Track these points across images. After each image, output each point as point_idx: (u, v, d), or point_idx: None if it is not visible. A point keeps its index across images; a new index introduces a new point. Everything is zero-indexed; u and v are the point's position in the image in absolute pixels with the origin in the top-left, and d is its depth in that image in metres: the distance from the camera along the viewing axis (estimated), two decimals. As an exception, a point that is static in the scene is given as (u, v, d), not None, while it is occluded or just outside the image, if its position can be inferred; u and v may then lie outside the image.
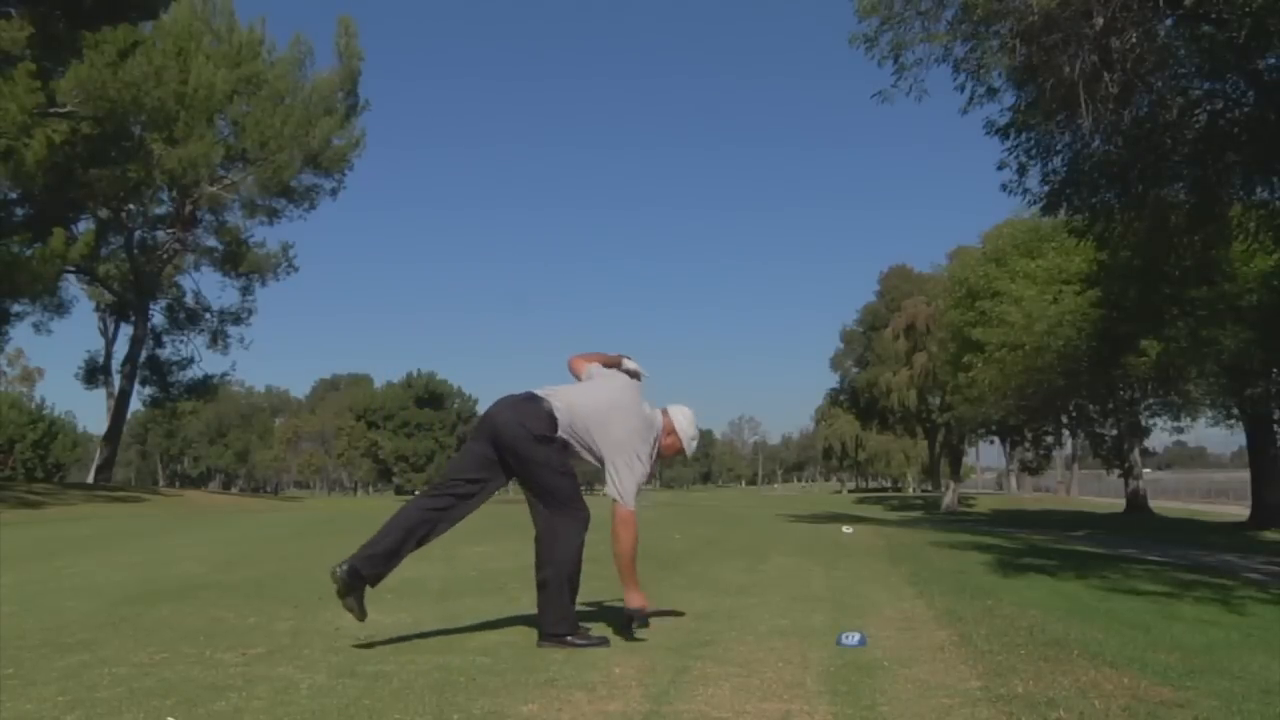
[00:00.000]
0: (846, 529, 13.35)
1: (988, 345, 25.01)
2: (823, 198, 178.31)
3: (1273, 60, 10.21)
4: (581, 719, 2.81)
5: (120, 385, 32.11)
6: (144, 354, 32.70)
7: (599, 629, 4.22)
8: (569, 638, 3.83)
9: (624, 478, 3.90)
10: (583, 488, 4.15)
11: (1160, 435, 47.66)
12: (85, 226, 27.44)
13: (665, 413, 4.20)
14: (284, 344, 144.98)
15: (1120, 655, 3.87)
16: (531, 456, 3.83)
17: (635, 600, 4.01)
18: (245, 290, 34.25)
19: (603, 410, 3.94)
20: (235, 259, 33.18)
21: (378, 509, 23.40)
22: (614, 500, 3.92)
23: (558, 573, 3.85)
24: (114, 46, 20.44)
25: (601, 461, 3.91)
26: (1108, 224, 12.04)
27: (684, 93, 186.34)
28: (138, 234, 32.19)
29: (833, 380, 65.01)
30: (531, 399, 3.92)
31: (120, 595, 5.35)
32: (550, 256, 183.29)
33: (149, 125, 24.02)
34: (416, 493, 3.90)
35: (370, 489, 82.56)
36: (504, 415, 3.89)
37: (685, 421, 4.22)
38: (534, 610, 4.91)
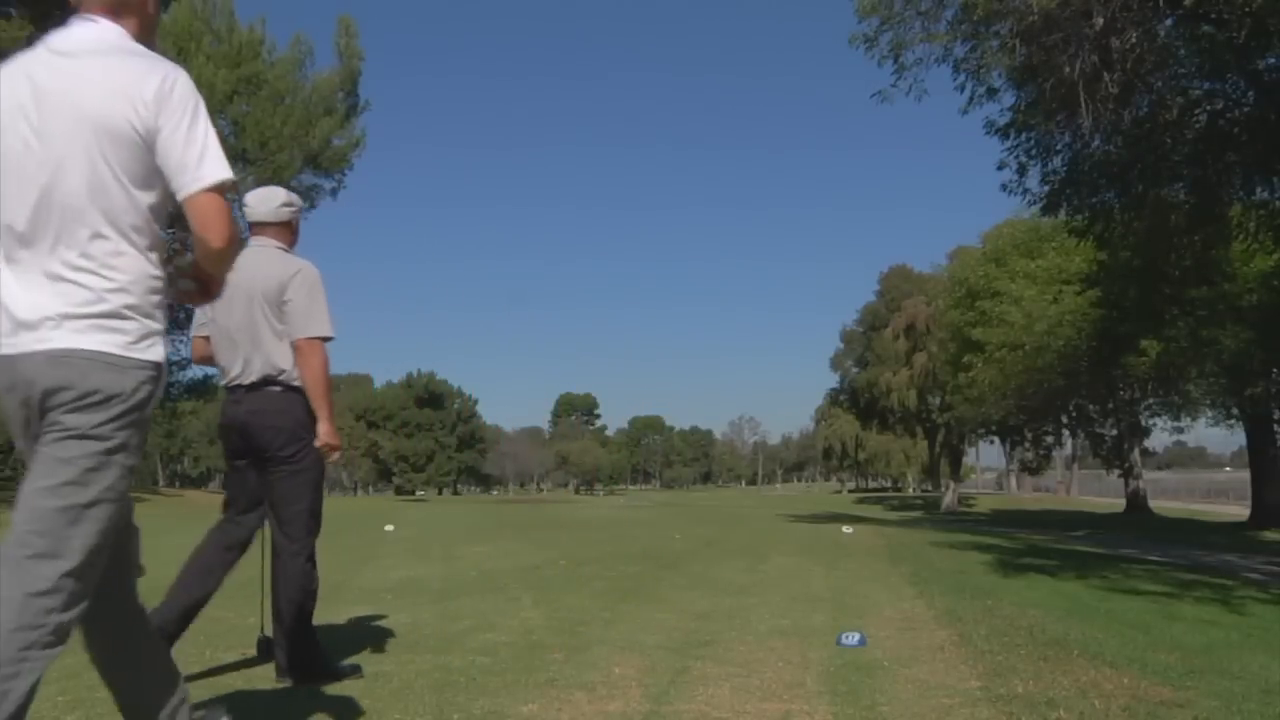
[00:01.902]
0: (846, 529, 13.36)
1: (988, 345, 25.01)
2: (823, 198, 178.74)
3: (1273, 60, 10.21)
4: (581, 719, 2.81)
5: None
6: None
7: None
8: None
9: None
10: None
11: (1160, 435, 47.73)
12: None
13: None
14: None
15: (1120, 655, 3.87)
16: None
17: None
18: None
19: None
20: (235, 259, 33.16)
21: (378, 509, 23.46)
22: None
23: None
24: (114, 46, 20.47)
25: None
26: (1108, 224, 12.04)
27: (684, 93, 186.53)
28: (137, 234, 32.20)
29: (833, 380, 65.22)
30: None
31: (120, 595, 5.33)
32: (550, 257, 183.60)
33: (149, 125, 24.03)
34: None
35: (370, 489, 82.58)
36: None
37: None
38: (534, 610, 4.91)
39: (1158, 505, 32.23)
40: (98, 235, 1.80)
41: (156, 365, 1.86)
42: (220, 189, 1.82)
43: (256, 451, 3.22)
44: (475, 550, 8.77)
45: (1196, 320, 19.94)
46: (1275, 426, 24.23)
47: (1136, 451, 32.31)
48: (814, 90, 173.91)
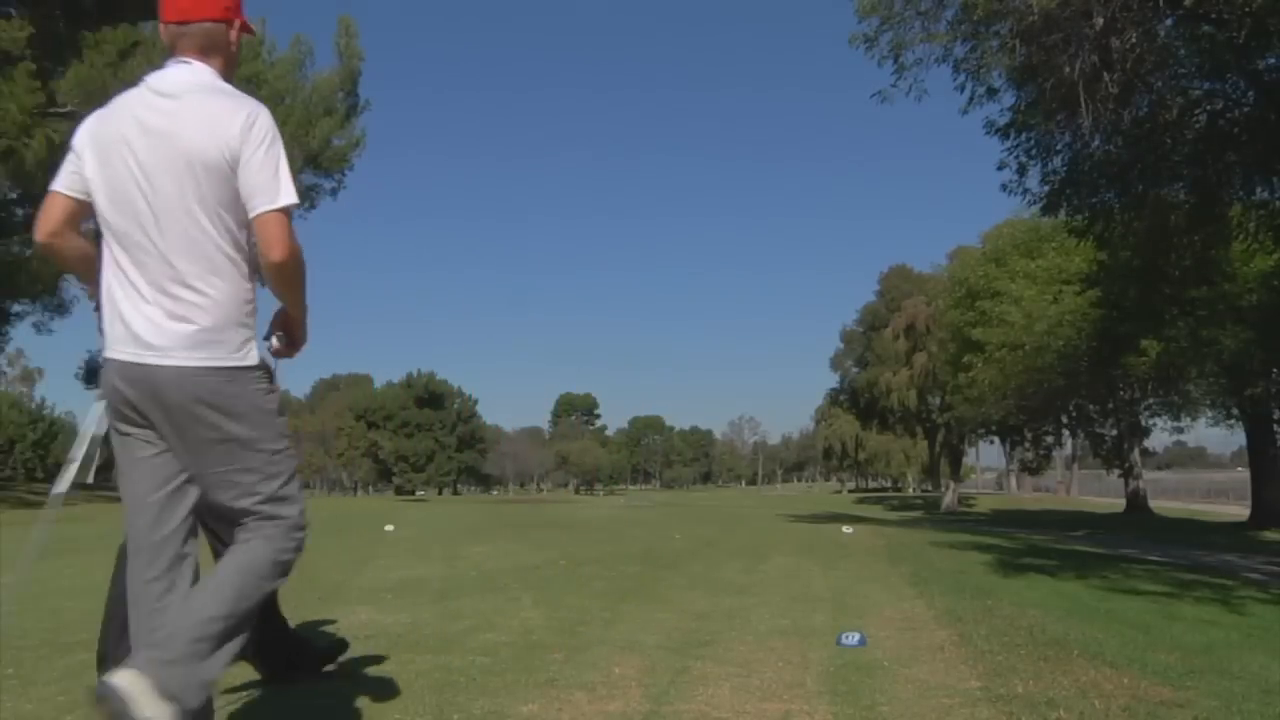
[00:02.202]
0: (846, 529, 13.36)
1: (988, 345, 25.01)
2: (823, 198, 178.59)
3: (1273, 60, 10.21)
4: (581, 719, 2.81)
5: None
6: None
7: None
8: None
9: None
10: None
11: (1160, 435, 47.71)
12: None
13: None
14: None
15: (1120, 655, 3.87)
16: None
17: None
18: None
19: None
20: (235, 259, 33.19)
21: (378, 509, 23.45)
22: None
23: None
24: (114, 46, 20.42)
25: None
26: (1108, 224, 12.04)
27: (683, 94, 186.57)
28: (137, 234, 32.23)
29: (833, 380, 65.22)
30: None
31: (120, 595, 5.34)
32: (550, 257, 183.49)
33: (149, 125, 24.05)
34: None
35: (370, 489, 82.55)
36: None
37: None
38: (534, 610, 4.91)
39: (1158, 505, 32.22)
40: (199, 257, 2.04)
41: (258, 366, 2.12)
42: (286, 211, 2.05)
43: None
44: (475, 550, 8.77)
45: (1196, 320, 19.94)
46: (1275, 426, 24.23)
47: (1136, 451, 32.31)
48: (814, 90, 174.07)
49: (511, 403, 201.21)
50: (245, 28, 2.28)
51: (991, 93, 10.95)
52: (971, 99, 10.87)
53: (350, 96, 31.91)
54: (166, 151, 2.04)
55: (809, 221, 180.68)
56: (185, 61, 2.16)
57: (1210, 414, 27.43)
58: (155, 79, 2.14)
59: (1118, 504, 33.98)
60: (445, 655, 3.65)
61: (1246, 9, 8.64)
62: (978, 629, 4.40)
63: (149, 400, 2.04)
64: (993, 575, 7.56)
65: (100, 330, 2.15)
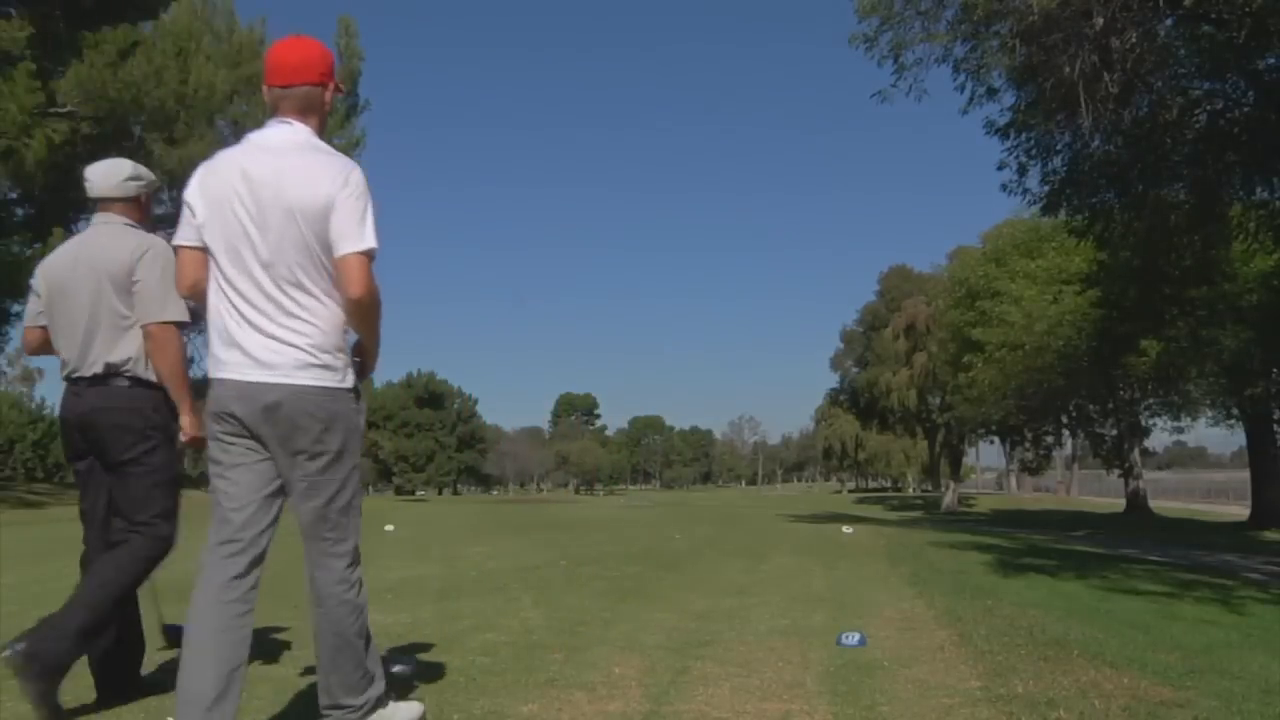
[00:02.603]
0: (846, 529, 13.36)
1: (988, 345, 25.02)
2: (823, 198, 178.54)
3: (1273, 60, 10.22)
4: (581, 719, 2.81)
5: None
6: (144, 354, 32.72)
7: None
8: None
9: None
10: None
11: (1160, 435, 47.61)
12: (85, 226, 27.42)
13: None
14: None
15: (1120, 655, 3.87)
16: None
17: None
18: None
19: None
20: (235, 259, 33.21)
21: (377, 509, 23.42)
22: None
23: None
24: (114, 46, 20.43)
25: None
26: (1108, 224, 12.05)
27: (683, 93, 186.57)
28: (138, 234, 32.23)
29: (833, 380, 65.26)
30: None
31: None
32: (550, 257, 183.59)
33: (149, 125, 23.99)
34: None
35: (370, 489, 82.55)
36: None
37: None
38: (534, 610, 4.91)
39: (1158, 505, 32.22)
40: (304, 292, 2.33)
41: (356, 390, 2.42)
42: (366, 254, 2.32)
43: (99, 452, 2.91)
44: (475, 550, 8.77)
45: (1196, 320, 19.95)
46: (1275, 426, 24.23)
47: (1136, 451, 32.30)
48: (814, 90, 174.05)
49: (511, 403, 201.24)
50: (337, 88, 2.58)
51: (991, 93, 10.97)
52: (971, 99, 10.89)
53: (350, 96, 31.94)
54: (273, 201, 2.32)
55: (809, 221, 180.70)
56: (286, 122, 2.45)
57: (1210, 414, 27.44)
58: (259, 137, 2.45)
59: (1118, 504, 33.98)
60: (445, 655, 3.65)
61: (1246, 9, 8.65)
62: (978, 629, 4.40)
63: (259, 414, 2.31)
64: (993, 575, 7.56)
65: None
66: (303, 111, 2.46)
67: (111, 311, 2.91)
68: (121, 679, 3.03)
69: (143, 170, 3.15)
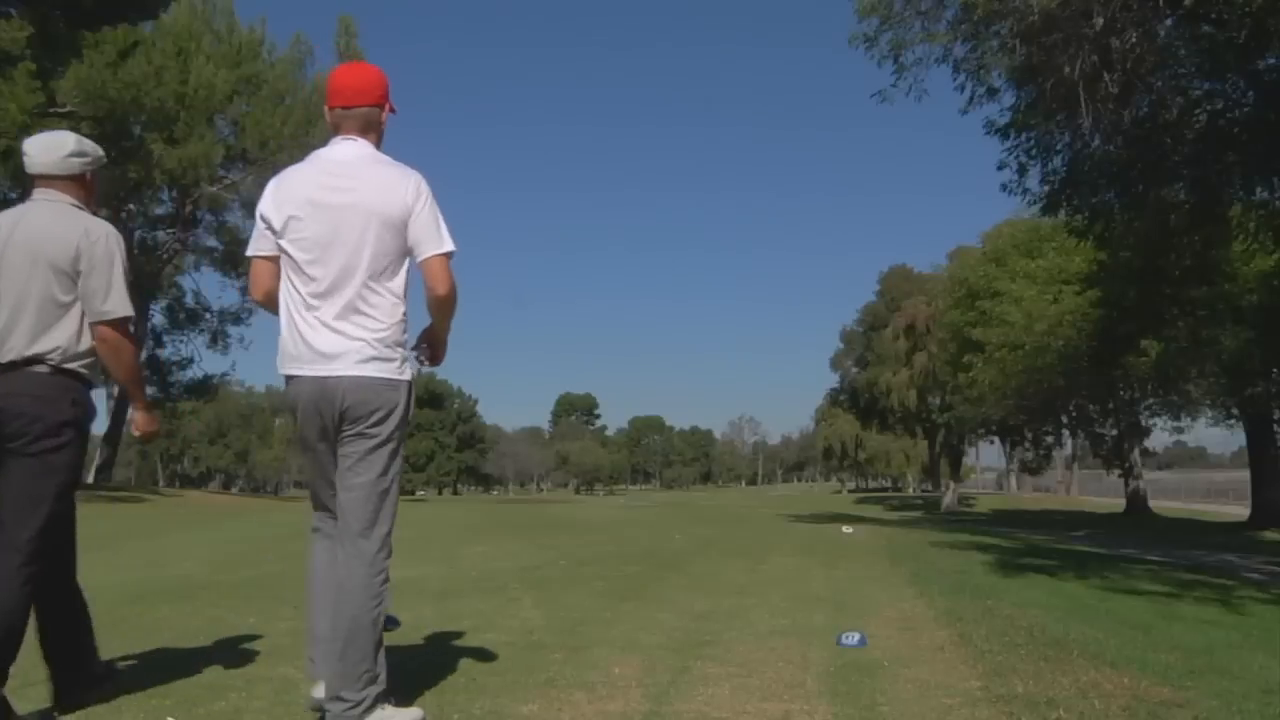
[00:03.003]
0: (846, 529, 13.35)
1: (988, 345, 24.99)
2: (823, 198, 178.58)
3: (1273, 60, 10.20)
4: (581, 719, 2.81)
5: (120, 386, 32.02)
6: (144, 354, 32.69)
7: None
8: None
9: None
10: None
11: (1160, 435, 47.58)
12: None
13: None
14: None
15: (1120, 655, 3.87)
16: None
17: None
18: (245, 290, 34.20)
19: None
20: (235, 259, 33.09)
21: (378, 509, 23.41)
22: None
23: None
24: (114, 46, 20.41)
25: None
26: (1108, 224, 12.03)
27: (683, 93, 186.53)
28: (138, 234, 32.13)
29: (833, 380, 65.12)
30: None
31: (120, 595, 5.35)
32: (550, 257, 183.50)
33: (149, 125, 23.98)
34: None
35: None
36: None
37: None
38: (534, 610, 4.91)
39: (1158, 505, 32.21)
40: (373, 291, 2.59)
41: (411, 382, 2.67)
42: (447, 256, 2.65)
43: (4, 440, 2.62)
44: (475, 550, 8.77)
45: (1196, 320, 19.93)
46: (1275, 426, 24.22)
47: (1136, 451, 32.29)
48: (815, 90, 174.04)
49: (511, 403, 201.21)
50: (391, 109, 2.81)
51: (991, 93, 10.95)
52: (971, 99, 10.87)
53: (350, 96, 31.94)
54: (348, 211, 2.58)
55: (809, 221, 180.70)
56: (351, 139, 2.70)
57: (1210, 414, 27.42)
58: (328, 153, 2.70)
59: (1118, 504, 33.97)
60: (445, 655, 3.65)
61: (1246, 9, 8.64)
62: (978, 629, 4.40)
63: (327, 403, 2.56)
64: (993, 575, 7.55)
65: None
66: (363, 130, 2.72)
67: (45, 297, 2.69)
68: (74, 667, 2.89)
69: (88, 145, 2.92)
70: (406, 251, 2.65)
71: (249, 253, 2.69)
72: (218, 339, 34.57)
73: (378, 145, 2.74)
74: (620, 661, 3.56)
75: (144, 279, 31.51)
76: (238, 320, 34.49)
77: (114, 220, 32.21)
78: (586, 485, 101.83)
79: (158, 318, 34.23)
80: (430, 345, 2.81)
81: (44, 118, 18.94)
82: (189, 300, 34.89)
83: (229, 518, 16.61)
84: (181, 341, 34.86)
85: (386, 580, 2.64)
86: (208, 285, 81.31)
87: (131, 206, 29.90)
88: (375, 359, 2.57)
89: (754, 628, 4.38)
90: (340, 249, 2.56)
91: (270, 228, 2.63)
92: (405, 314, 2.66)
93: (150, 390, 35.04)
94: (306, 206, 2.58)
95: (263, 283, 2.69)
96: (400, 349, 2.63)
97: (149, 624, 4.40)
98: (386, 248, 2.59)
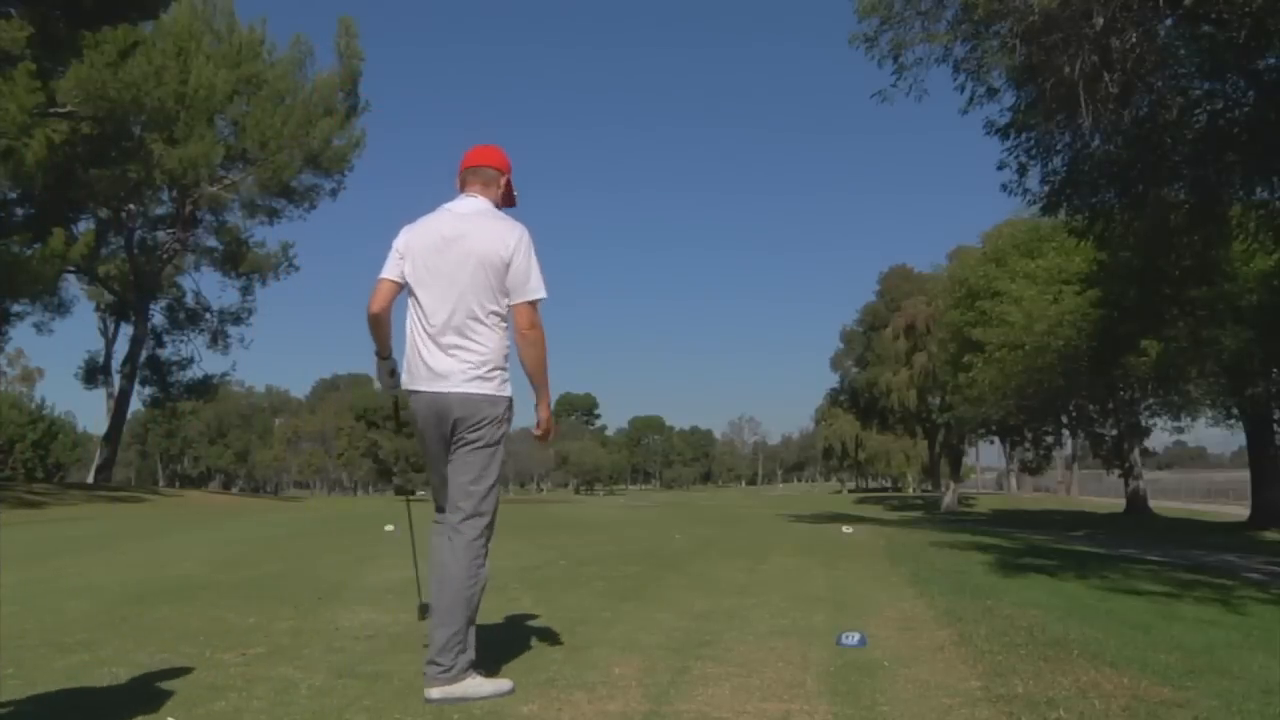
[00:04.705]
0: (846, 529, 13.34)
1: (988, 345, 24.98)
2: (823, 198, 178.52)
3: (1273, 60, 10.20)
4: (581, 719, 2.81)
5: (120, 385, 32.03)
6: (144, 354, 32.65)
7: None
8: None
9: None
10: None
11: (1160, 435, 47.70)
12: (85, 226, 27.28)
13: None
14: (284, 344, 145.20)
15: (1120, 655, 3.87)
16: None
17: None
18: (245, 290, 34.20)
19: None
20: (235, 259, 33.14)
21: (378, 509, 23.43)
22: None
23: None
24: (114, 46, 20.41)
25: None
26: (1108, 224, 12.03)
27: (683, 93, 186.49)
28: (138, 234, 32.15)
29: (833, 380, 65.08)
30: None
31: (120, 595, 5.35)
32: (549, 257, 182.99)
33: (149, 125, 23.98)
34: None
35: (370, 489, 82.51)
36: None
37: None
38: (535, 610, 4.91)
39: (1158, 505, 32.21)
40: (479, 323, 3.09)
41: (510, 398, 3.15)
42: (533, 304, 3.15)
43: None
44: (475, 550, 8.74)
45: (1196, 320, 19.92)
46: (1275, 426, 24.20)
47: (1136, 451, 32.29)
48: (815, 90, 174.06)
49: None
50: (509, 182, 3.38)
51: (991, 93, 10.95)
52: (971, 99, 10.87)
53: (350, 97, 31.94)
54: (462, 254, 3.09)
55: (809, 221, 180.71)
56: (473, 196, 3.27)
57: (1210, 414, 27.37)
58: (454, 205, 3.26)
59: (1118, 504, 33.98)
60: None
61: (1246, 9, 8.64)
62: (978, 629, 4.40)
63: (441, 414, 3.08)
64: (993, 575, 7.55)
65: (387, 371, 3.30)
66: (485, 186, 3.29)
67: None
68: None
69: None
70: (507, 292, 3.11)
71: (381, 275, 3.17)
72: (218, 339, 34.55)
73: (498, 203, 3.30)
74: (620, 661, 3.56)
75: (144, 279, 31.53)
76: (238, 320, 34.49)
77: (114, 220, 32.30)
78: (586, 485, 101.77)
79: (158, 318, 34.24)
80: (538, 422, 3.22)
81: (44, 118, 18.97)
82: (189, 300, 34.87)
83: (229, 518, 16.60)
84: (181, 341, 34.86)
85: (485, 563, 3.09)
86: (208, 285, 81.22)
87: (131, 206, 29.91)
88: (478, 378, 3.06)
89: (754, 628, 4.38)
90: (453, 288, 3.07)
91: (401, 258, 3.15)
92: (508, 343, 3.15)
93: (150, 390, 35.14)
94: (428, 247, 3.11)
95: (380, 299, 3.16)
96: (500, 371, 3.11)
97: (149, 624, 4.39)
98: (490, 288, 3.08)
